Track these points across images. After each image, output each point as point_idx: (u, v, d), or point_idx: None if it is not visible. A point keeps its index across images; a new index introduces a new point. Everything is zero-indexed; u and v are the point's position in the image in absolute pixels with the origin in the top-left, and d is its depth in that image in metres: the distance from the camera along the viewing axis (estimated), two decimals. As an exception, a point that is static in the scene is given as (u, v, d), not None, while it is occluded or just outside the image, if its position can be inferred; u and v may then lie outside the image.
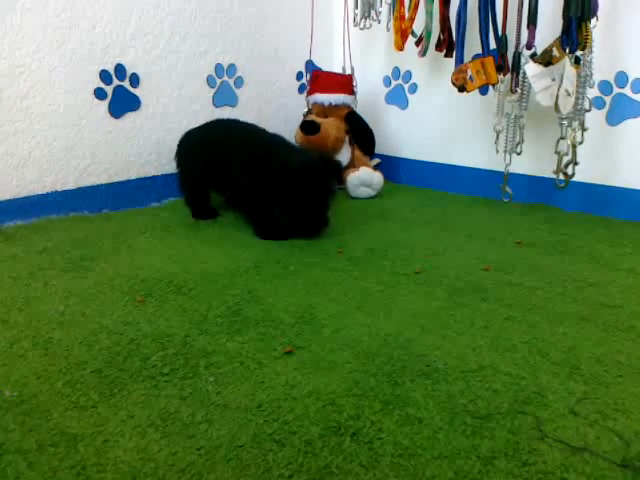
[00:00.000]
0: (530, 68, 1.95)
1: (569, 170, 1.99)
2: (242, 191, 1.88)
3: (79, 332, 1.24)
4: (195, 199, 2.09)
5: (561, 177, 2.02)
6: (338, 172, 1.90)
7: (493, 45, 2.08)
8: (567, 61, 1.85)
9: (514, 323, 1.29)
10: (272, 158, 1.79)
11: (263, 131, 2.02)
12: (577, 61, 1.88)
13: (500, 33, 2.06)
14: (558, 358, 1.14)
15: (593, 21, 1.85)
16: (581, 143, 1.94)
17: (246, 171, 1.85)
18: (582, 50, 1.86)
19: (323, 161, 1.85)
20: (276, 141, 1.93)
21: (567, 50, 1.86)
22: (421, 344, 1.19)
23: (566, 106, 1.90)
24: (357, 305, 1.38)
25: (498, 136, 2.16)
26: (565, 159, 1.99)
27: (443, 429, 0.93)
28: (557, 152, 2.01)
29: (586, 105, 1.91)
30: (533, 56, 1.97)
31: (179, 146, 2.11)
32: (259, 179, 1.81)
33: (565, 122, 1.96)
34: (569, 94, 1.87)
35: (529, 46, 1.96)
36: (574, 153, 1.97)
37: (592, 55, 1.87)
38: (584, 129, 1.94)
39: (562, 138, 1.99)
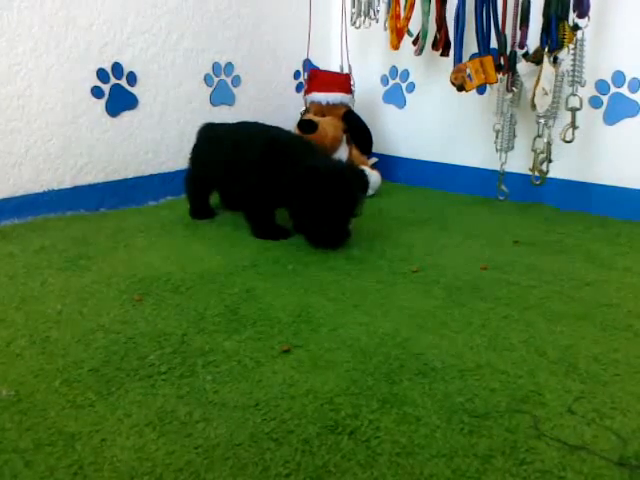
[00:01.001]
0: (522, 67, 1.96)
1: (544, 167, 2.02)
2: (248, 190, 1.85)
3: (76, 331, 1.24)
4: (196, 197, 2.08)
5: (537, 174, 2.05)
6: (365, 182, 1.78)
7: (488, 44, 2.08)
8: (546, 60, 1.87)
9: (511, 322, 1.29)
10: (291, 160, 1.75)
11: (287, 133, 1.97)
12: (555, 60, 1.90)
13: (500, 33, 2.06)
14: (555, 357, 1.14)
15: (584, 21, 1.85)
16: (571, 141, 1.95)
17: (258, 170, 1.81)
18: (559, 49, 1.87)
19: (350, 169, 1.77)
20: (298, 144, 1.86)
21: (546, 49, 1.88)
22: (419, 343, 1.20)
23: (543, 105, 1.91)
24: (355, 304, 1.38)
25: (497, 135, 2.16)
26: (541, 157, 2.02)
27: (441, 428, 0.93)
28: (533, 150, 2.03)
29: (576, 104, 1.92)
30: (525, 55, 1.98)
31: (197, 139, 2.08)
32: (274, 180, 1.76)
33: (542, 120, 1.98)
34: (546, 93, 1.88)
35: (521, 45, 1.98)
36: (549, 151, 2.00)
37: (581, 54, 1.87)
38: (575, 127, 1.94)
39: (539, 136, 2.01)
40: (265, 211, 1.86)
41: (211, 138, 2.04)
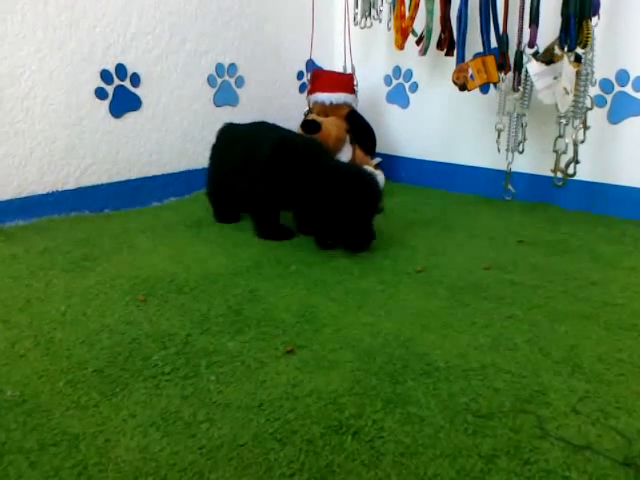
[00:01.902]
0: (532, 67, 1.94)
1: (570, 169, 1.99)
2: (255, 190, 1.84)
3: (80, 332, 1.24)
4: (217, 201, 2.04)
5: (559, 175, 2.02)
6: (376, 182, 1.79)
7: (494, 44, 2.07)
8: (566, 59, 1.85)
9: (515, 322, 1.29)
10: (300, 162, 1.75)
11: (296, 135, 1.98)
12: (578, 59, 1.87)
13: (501, 32, 2.05)
14: (560, 356, 1.14)
15: (594, 19, 1.84)
16: (583, 142, 1.94)
17: (266, 171, 1.80)
18: (583, 48, 1.85)
19: (364, 170, 1.77)
20: (307, 146, 1.85)
21: (566, 48, 1.86)
22: (422, 343, 1.19)
23: (564, 104, 1.89)
24: (358, 304, 1.38)
25: (499, 135, 2.15)
26: (564, 158, 1.99)
27: (444, 428, 0.93)
28: (555, 151, 2.01)
29: (588, 103, 1.90)
30: (535, 55, 1.96)
31: (216, 140, 2.06)
32: (282, 181, 1.76)
33: (564, 120, 1.95)
34: (567, 92, 1.86)
35: (531, 45, 1.96)
36: (575, 152, 1.96)
37: (593, 53, 1.86)
38: (586, 127, 1.93)
39: (560, 136, 1.98)
40: (271, 211, 1.86)
41: (225, 139, 2.02)
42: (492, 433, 0.91)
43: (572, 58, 1.86)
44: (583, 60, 1.86)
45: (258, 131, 1.96)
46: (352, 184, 1.67)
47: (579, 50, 1.85)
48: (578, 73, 1.86)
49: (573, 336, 1.22)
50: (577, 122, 1.93)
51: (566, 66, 1.84)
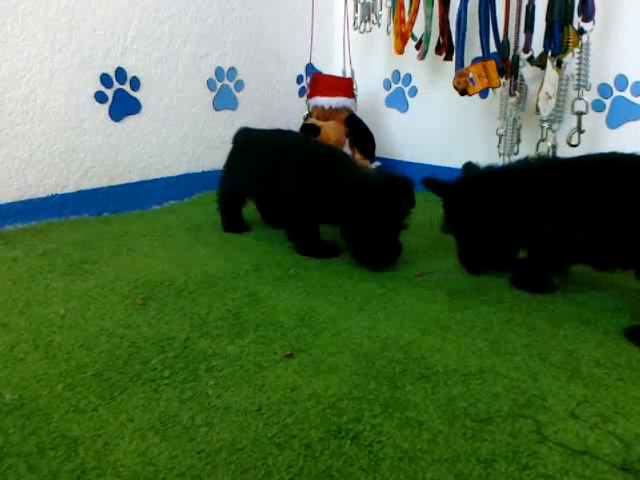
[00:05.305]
0: (527, 71, 1.97)
1: None
2: (290, 207, 1.77)
3: (79, 335, 1.24)
4: (229, 210, 2.00)
5: None
6: (411, 191, 1.71)
7: (492, 49, 2.08)
8: (549, 64, 1.87)
9: (514, 326, 1.29)
10: (334, 175, 1.66)
11: (322, 146, 1.93)
12: (559, 64, 1.89)
13: (502, 37, 2.06)
14: (558, 361, 1.14)
15: (590, 25, 1.86)
16: (577, 145, 1.95)
17: (299, 186, 1.72)
18: (563, 53, 1.87)
19: (394, 180, 1.67)
20: (336, 157, 1.79)
21: (549, 53, 1.88)
22: (421, 347, 1.19)
23: (546, 109, 1.92)
24: (357, 308, 1.38)
25: (501, 140, 2.16)
26: None
27: (443, 432, 0.93)
28: (538, 154, 2.04)
29: (582, 108, 1.92)
30: (530, 59, 1.98)
31: (233, 146, 2.00)
32: (316, 195, 1.68)
33: (546, 124, 1.99)
34: (549, 97, 1.89)
35: (526, 50, 1.98)
36: (554, 155, 2.00)
37: (588, 57, 1.88)
38: (580, 131, 1.95)
39: (542, 140, 2.01)
40: (309, 228, 1.78)
41: (246, 147, 1.96)
42: (491, 438, 0.91)
43: (555, 63, 1.89)
44: (563, 65, 1.90)
45: (283, 148, 1.86)
46: (371, 197, 1.59)
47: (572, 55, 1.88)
48: (559, 78, 1.89)
49: (572, 340, 1.22)
50: (555, 125, 1.99)
51: (549, 71, 1.87)
